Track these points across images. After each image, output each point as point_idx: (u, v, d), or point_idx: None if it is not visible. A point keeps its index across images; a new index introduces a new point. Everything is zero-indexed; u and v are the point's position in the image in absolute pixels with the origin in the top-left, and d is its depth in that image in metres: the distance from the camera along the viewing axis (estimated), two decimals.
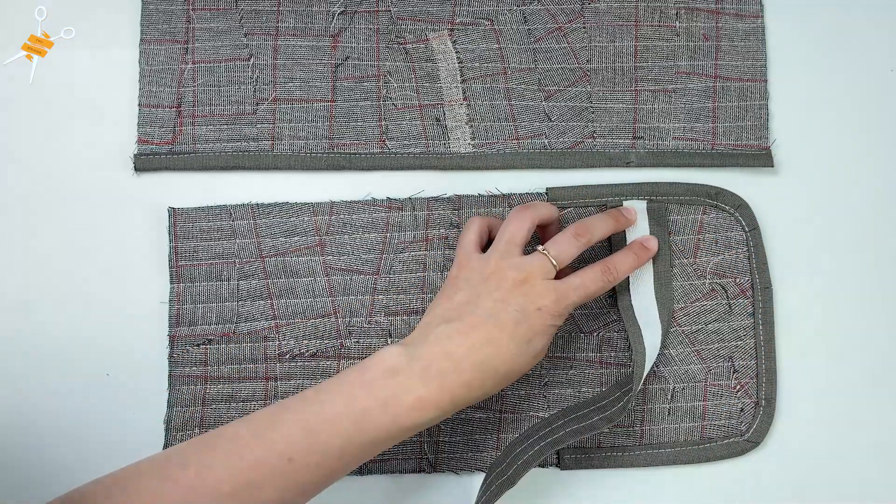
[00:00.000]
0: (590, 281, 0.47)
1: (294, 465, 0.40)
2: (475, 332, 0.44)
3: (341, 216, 0.55)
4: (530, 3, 0.57)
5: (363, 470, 0.52)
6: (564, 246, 0.48)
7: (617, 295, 0.53)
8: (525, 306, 0.45)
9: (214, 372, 0.53)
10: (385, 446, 0.43)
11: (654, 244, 0.52)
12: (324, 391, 0.43)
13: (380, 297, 0.54)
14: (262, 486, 0.39)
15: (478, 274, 0.47)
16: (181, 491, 0.39)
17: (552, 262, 0.47)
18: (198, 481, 0.39)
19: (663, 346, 0.53)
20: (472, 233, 0.49)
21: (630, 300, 0.52)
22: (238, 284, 0.54)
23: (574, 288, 0.47)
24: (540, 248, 0.47)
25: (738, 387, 0.54)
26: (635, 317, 0.52)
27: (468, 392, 0.43)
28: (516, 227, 0.48)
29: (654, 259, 0.53)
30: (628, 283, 0.53)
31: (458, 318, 0.45)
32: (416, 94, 0.56)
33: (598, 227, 0.49)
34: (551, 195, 0.55)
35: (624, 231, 0.53)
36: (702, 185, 0.55)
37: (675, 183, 0.55)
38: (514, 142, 0.56)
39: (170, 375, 0.53)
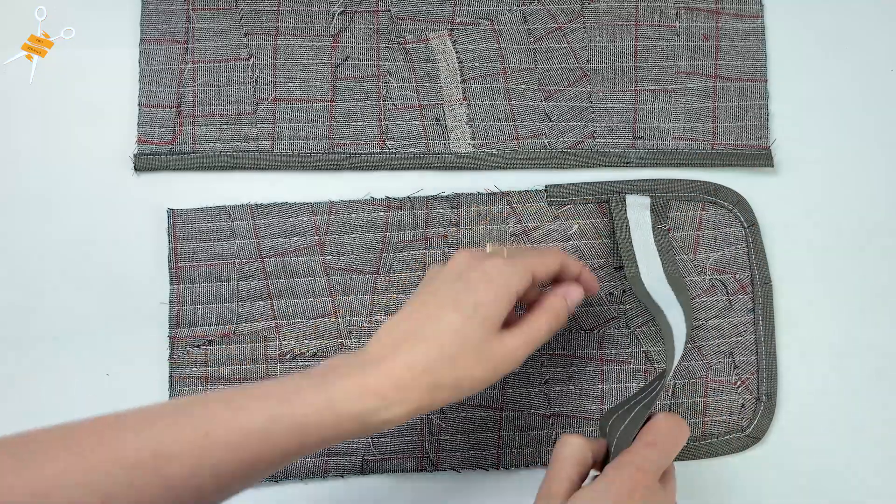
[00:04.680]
0: (544, 255, 0.44)
1: (210, 441, 0.36)
2: (417, 311, 0.41)
3: (340, 216, 0.54)
4: (530, 3, 0.57)
5: (364, 469, 0.52)
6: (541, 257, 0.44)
7: (631, 285, 0.52)
8: (470, 278, 0.41)
9: (215, 373, 0.53)
10: (318, 441, 0.38)
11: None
12: (258, 382, 0.40)
13: (380, 296, 0.54)
14: (171, 460, 0.35)
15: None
16: (84, 462, 0.34)
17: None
18: (104, 452, 0.34)
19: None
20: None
21: (644, 287, 0.51)
22: (238, 285, 0.54)
23: (525, 257, 0.43)
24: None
25: (739, 382, 0.54)
26: (654, 300, 0.50)
27: (411, 374, 0.39)
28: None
29: (659, 250, 0.53)
30: (639, 272, 0.52)
31: (402, 309, 0.42)
32: (416, 94, 0.56)
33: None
34: (550, 193, 0.55)
35: (628, 233, 0.53)
36: (700, 182, 0.55)
37: (674, 180, 0.55)
38: (514, 141, 0.56)
39: (170, 377, 0.53)
